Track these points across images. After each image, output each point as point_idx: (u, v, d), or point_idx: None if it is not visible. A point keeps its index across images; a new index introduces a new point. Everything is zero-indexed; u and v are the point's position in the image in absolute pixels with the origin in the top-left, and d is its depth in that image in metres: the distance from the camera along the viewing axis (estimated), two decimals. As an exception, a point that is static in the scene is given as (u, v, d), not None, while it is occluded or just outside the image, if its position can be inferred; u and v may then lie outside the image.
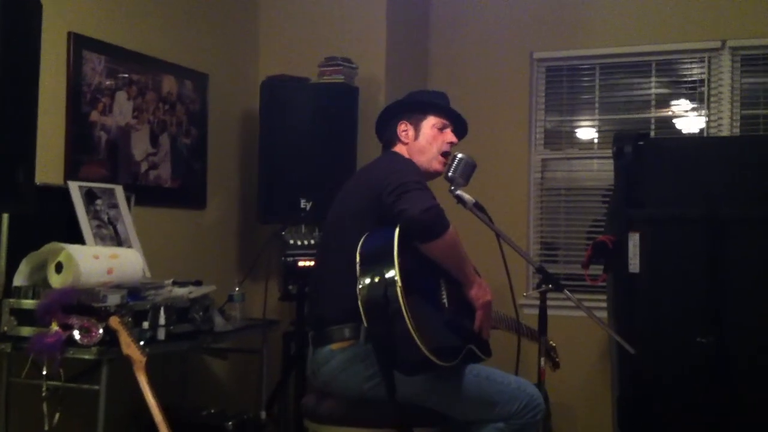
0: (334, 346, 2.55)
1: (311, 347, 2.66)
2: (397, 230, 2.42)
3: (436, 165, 2.81)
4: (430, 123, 2.82)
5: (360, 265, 2.42)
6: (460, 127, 2.91)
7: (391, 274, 2.36)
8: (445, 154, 2.81)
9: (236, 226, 4.43)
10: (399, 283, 2.33)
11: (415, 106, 2.86)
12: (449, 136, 2.84)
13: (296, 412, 3.68)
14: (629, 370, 3.51)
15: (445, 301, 2.57)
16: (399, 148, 2.83)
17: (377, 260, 2.41)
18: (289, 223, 3.95)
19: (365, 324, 2.38)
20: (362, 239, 2.48)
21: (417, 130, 2.82)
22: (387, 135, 2.88)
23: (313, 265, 3.02)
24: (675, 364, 3.46)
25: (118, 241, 3.26)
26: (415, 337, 2.31)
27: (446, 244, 2.46)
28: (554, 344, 3.24)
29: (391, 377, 2.41)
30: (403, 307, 2.32)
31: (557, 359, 3.24)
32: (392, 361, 2.39)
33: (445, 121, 2.84)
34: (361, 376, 2.52)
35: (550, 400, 4.00)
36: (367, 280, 2.39)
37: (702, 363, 3.40)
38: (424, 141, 2.81)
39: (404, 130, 2.83)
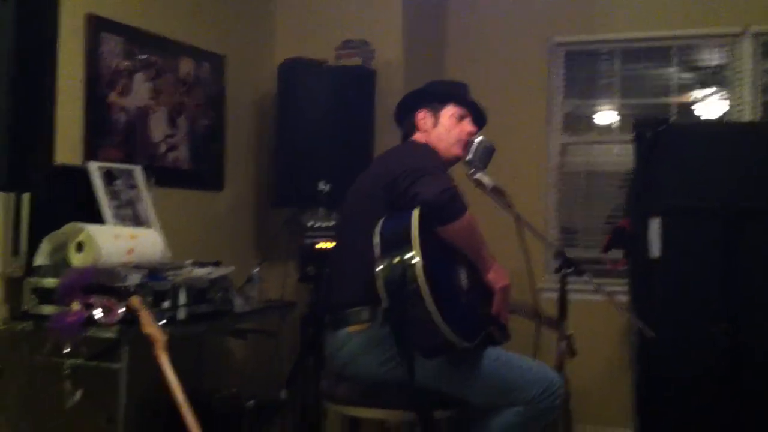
0: (351, 329, 2.55)
1: (329, 330, 2.66)
2: (416, 212, 2.41)
3: (456, 150, 2.80)
4: (448, 112, 2.81)
5: (380, 248, 2.40)
6: (479, 117, 2.90)
7: (411, 255, 2.34)
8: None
9: (253, 208, 4.44)
10: (419, 265, 2.32)
11: (434, 96, 2.86)
12: (468, 125, 2.83)
13: (314, 393, 3.69)
14: (649, 354, 3.49)
15: (464, 283, 2.56)
16: (418, 137, 2.83)
17: (397, 242, 2.39)
18: (305, 205, 3.94)
19: (385, 306, 2.37)
20: (381, 222, 2.46)
21: (436, 118, 2.81)
22: (406, 125, 2.89)
23: (331, 250, 3.01)
24: (694, 351, 3.45)
25: (138, 221, 3.27)
26: (435, 319, 2.30)
27: (462, 227, 2.44)
28: (572, 332, 3.21)
29: (411, 359, 2.40)
30: (423, 289, 2.30)
31: (574, 347, 3.21)
32: (412, 343, 2.39)
33: (463, 111, 2.83)
34: (379, 359, 2.52)
35: (570, 384, 4.00)
36: (387, 262, 2.37)
37: (721, 350, 3.39)
38: (443, 129, 2.80)
39: (423, 118, 2.83)
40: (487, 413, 2.57)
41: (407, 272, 2.32)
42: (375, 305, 2.45)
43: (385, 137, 3.88)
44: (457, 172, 2.66)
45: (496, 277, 2.60)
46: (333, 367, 2.68)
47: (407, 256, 2.34)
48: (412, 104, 2.88)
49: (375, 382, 2.57)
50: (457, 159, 2.80)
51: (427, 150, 2.71)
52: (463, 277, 2.56)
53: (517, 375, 2.55)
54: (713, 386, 3.42)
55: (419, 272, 2.31)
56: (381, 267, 2.37)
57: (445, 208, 2.40)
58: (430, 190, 2.38)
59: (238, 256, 4.06)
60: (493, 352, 2.56)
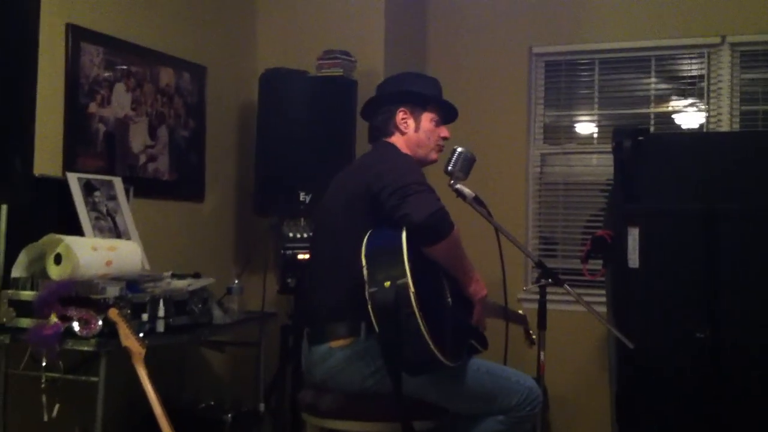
0: (333, 344, 2.51)
1: (306, 344, 2.63)
2: (404, 233, 2.37)
3: (433, 155, 2.80)
4: (428, 117, 2.78)
5: (367, 269, 2.36)
6: (449, 116, 2.88)
7: (403, 278, 2.31)
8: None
9: (234, 218, 4.43)
10: (412, 288, 2.29)
11: (415, 97, 2.80)
12: (443, 131, 2.82)
13: (293, 405, 3.68)
14: (628, 364, 3.51)
15: (449, 300, 2.56)
16: (396, 139, 2.77)
17: (385, 264, 2.35)
18: (287, 215, 3.94)
19: (377, 329, 2.33)
20: (365, 240, 2.42)
21: (417, 122, 2.77)
22: (381, 119, 2.79)
23: (308, 259, 2.97)
24: (673, 359, 3.46)
25: (117, 233, 3.26)
26: (429, 341, 2.28)
27: (449, 245, 2.43)
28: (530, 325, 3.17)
29: (399, 377, 2.39)
30: (416, 312, 2.28)
31: (534, 336, 3.16)
32: (401, 362, 2.37)
33: (439, 115, 2.81)
34: (363, 373, 2.50)
35: (549, 393, 4.01)
36: (378, 285, 2.33)
37: (700, 358, 3.40)
38: (423, 135, 2.77)
39: (404, 119, 2.76)
40: (468, 423, 2.58)
41: (400, 296, 2.29)
42: (357, 319, 2.44)
43: (366, 147, 3.88)
44: (438, 182, 2.66)
45: (476, 289, 2.60)
46: (311, 380, 2.65)
47: (399, 280, 2.31)
48: (387, 101, 2.80)
49: (358, 394, 2.55)
50: (433, 162, 2.80)
51: (408, 159, 2.69)
52: (448, 294, 2.56)
53: (499, 385, 2.56)
54: (695, 396, 3.43)
55: (412, 297, 2.28)
56: (373, 290, 2.33)
57: (435, 230, 2.37)
58: (419, 213, 2.34)
59: (220, 268, 4.05)
60: (475, 363, 2.56)
